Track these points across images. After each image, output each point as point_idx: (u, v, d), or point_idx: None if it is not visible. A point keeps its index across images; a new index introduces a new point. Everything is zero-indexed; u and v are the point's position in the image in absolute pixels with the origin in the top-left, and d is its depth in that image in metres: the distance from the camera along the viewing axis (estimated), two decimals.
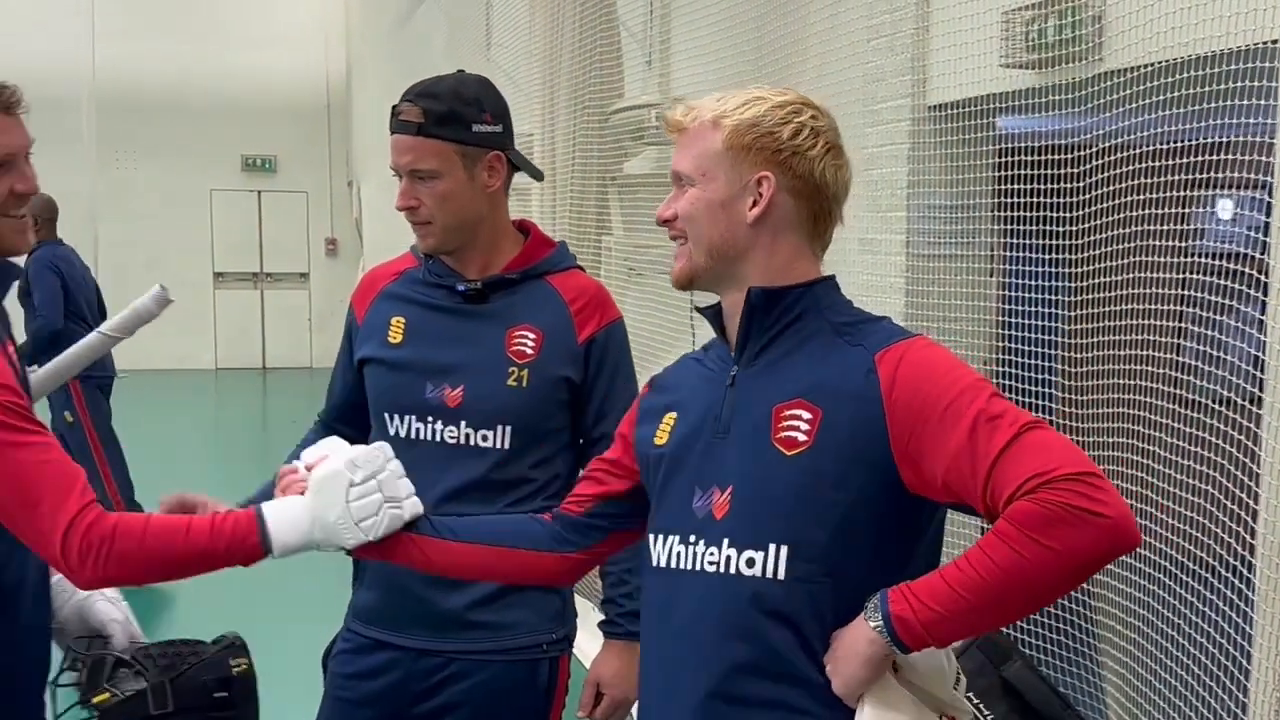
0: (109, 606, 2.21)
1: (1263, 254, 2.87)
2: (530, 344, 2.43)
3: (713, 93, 1.88)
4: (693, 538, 1.79)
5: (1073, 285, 3.83)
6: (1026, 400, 4.03)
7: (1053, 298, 4.21)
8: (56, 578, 2.15)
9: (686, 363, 1.99)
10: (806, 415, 1.73)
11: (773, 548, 1.72)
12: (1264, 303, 2.87)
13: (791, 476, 1.72)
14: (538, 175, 2.67)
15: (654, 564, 1.84)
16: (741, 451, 1.77)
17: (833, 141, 1.82)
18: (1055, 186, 3.75)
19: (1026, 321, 4.26)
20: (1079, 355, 3.81)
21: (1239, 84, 2.82)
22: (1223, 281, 3.02)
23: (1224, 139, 3.00)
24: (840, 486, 1.71)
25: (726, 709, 1.75)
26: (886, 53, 4.80)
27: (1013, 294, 4.55)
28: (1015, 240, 4.22)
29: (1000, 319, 4.69)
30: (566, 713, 2.60)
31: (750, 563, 1.73)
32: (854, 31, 4.94)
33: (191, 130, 16.67)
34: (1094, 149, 3.49)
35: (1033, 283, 4.29)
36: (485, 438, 2.41)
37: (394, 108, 2.42)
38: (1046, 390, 4.05)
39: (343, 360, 2.63)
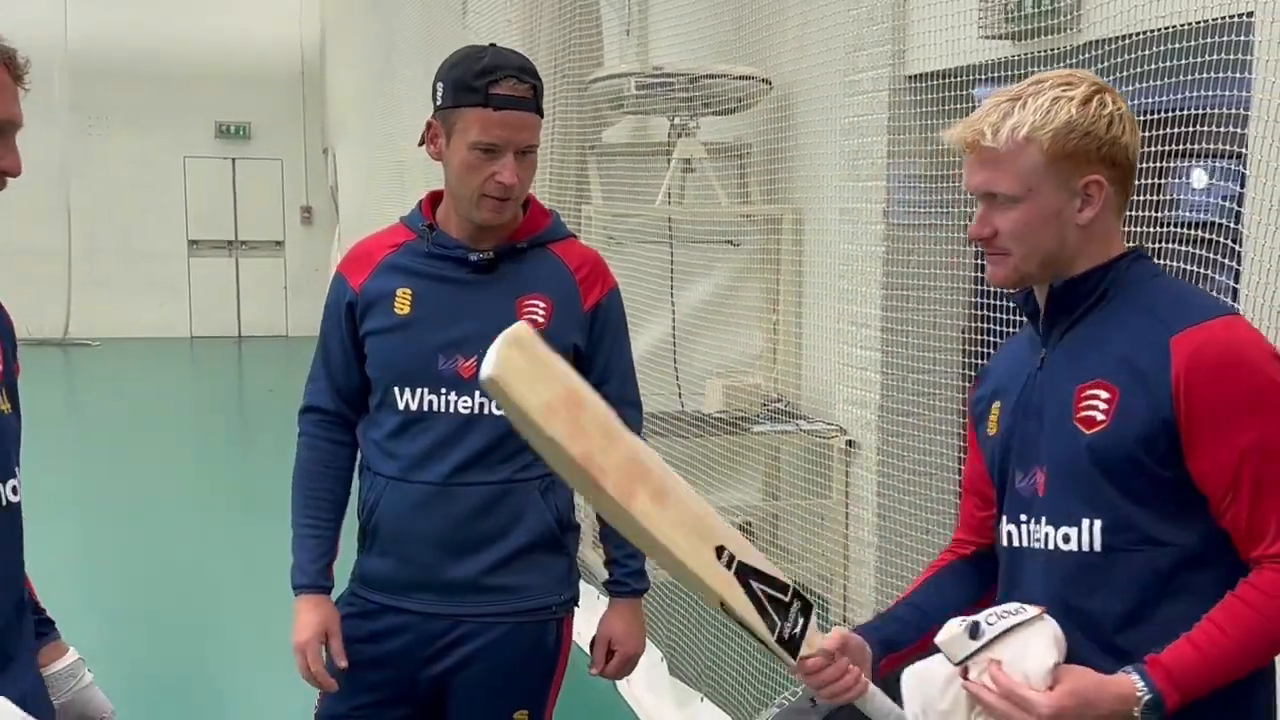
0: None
1: (1236, 223, 2.92)
2: (541, 312, 2.44)
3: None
4: (1023, 517, 1.85)
5: None
6: None
7: None
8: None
9: (1004, 350, 2.02)
10: (1105, 395, 1.76)
11: (1086, 522, 1.77)
12: (1237, 271, 2.93)
13: (1091, 454, 1.76)
14: None
15: (1001, 542, 1.91)
16: (1050, 432, 1.82)
17: (1130, 114, 1.82)
18: None
19: (1002, 290, 4.30)
20: None
21: (1214, 56, 2.86)
22: (1197, 251, 3.07)
23: (1199, 110, 3.05)
24: (1136, 462, 1.73)
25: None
26: (865, 22, 4.82)
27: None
28: None
29: (971, 285, 4.75)
30: (575, 670, 2.65)
31: (1066, 539, 1.79)
32: (834, 0, 4.97)
33: (164, 97, 16.52)
34: None
35: None
36: (499, 406, 2.42)
37: (490, 82, 2.32)
38: None
39: (339, 338, 2.51)
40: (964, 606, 1.97)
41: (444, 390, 2.41)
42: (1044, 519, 1.82)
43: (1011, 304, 1.99)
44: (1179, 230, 3.42)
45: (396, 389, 2.44)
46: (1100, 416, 1.76)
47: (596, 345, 2.51)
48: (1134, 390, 1.74)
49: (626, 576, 2.56)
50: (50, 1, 15.65)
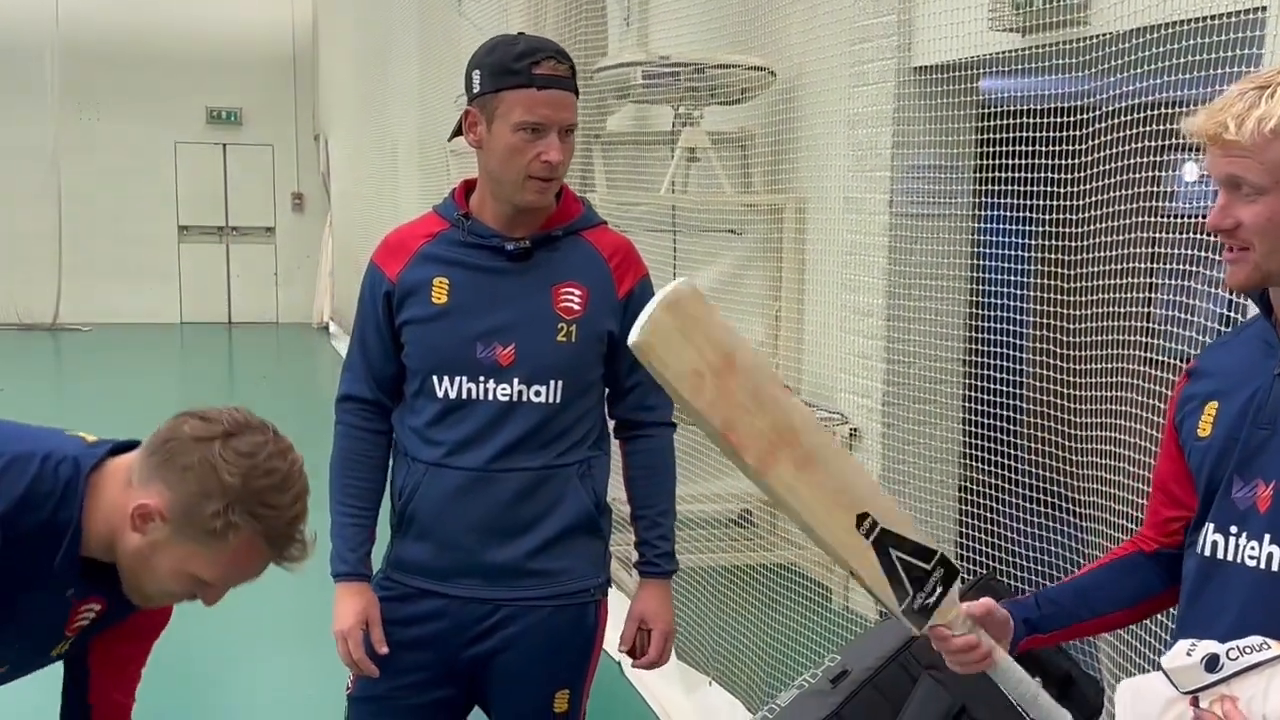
0: None
1: None
2: (577, 300, 2.48)
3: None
4: (1233, 529, 1.74)
5: (1049, 244, 3.92)
6: (999, 350, 4.11)
7: (1028, 255, 4.31)
8: None
9: (1219, 348, 1.93)
10: None
11: None
12: None
13: None
14: None
15: (1201, 551, 1.80)
16: None
17: None
18: (1034, 149, 3.83)
19: (1001, 278, 4.36)
20: (1053, 309, 3.91)
21: (1225, 53, 2.90)
22: (1194, 237, 3.10)
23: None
24: None
25: None
26: (872, 13, 4.87)
27: (989, 251, 4.66)
28: (994, 200, 4.32)
29: (974, 275, 4.80)
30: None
31: None
32: None
33: (156, 82, 16.46)
34: (1080, 115, 3.57)
35: (1009, 240, 4.39)
36: (538, 393, 2.46)
37: (533, 63, 2.37)
38: (1017, 343, 4.15)
39: (376, 327, 2.54)
40: (1133, 601, 1.94)
41: (482, 378, 2.45)
42: (1266, 537, 1.70)
43: (1245, 299, 1.88)
44: (1175, 221, 3.47)
45: (435, 377, 2.47)
46: None
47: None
48: None
49: (657, 558, 2.61)
50: None
